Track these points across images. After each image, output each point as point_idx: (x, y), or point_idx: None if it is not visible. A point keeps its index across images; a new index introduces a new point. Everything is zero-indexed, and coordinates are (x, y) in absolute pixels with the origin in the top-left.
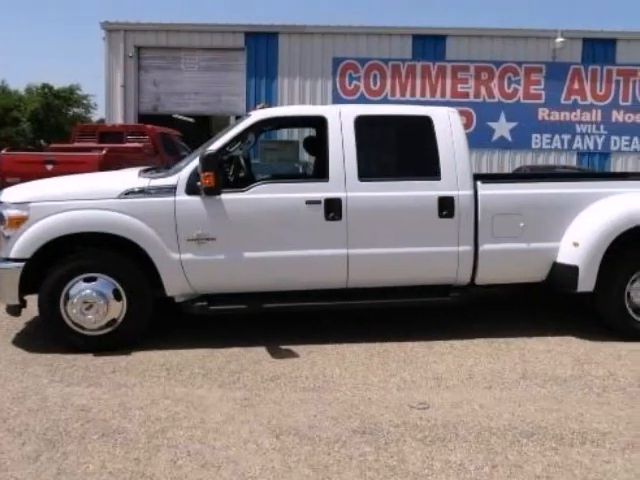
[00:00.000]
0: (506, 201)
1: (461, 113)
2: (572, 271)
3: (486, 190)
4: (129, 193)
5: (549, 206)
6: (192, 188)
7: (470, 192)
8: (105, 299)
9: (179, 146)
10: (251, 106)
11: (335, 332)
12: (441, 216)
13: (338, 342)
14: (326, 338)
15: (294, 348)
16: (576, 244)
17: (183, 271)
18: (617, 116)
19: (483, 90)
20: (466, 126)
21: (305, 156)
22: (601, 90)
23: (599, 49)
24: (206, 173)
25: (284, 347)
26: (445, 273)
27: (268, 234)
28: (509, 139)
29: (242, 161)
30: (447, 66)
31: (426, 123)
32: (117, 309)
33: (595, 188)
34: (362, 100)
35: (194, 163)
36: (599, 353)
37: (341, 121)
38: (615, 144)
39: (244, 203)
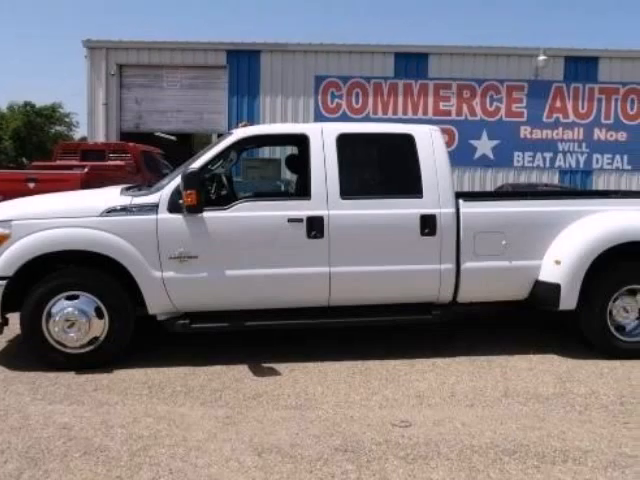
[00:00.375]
0: (488, 219)
1: (443, 131)
2: (554, 289)
3: (468, 208)
4: (111, 211)
5: (531, 224)
6: (174, 206)
7: (452, 210)
8: (87, 317)
9: (161, 164)
10: (233, 124)
11: (317, 350)
12: (423, 234)
13: (320, 360)
14: (308, 356)
15: (276, 366)
16: (558, 262)
17: (165, 289)
18: (599, 134)
19: (465, 108)
20: (448, 144)
21: (287, 174)
22: (583, 108)
23: (581, 67)
24: (188, 191)
25: (266, 365)
26: (427, 291)
27: (250, 252)
28: (491, 157)
29: (224, 179)
30: (429, 84)
31: (408, 141)
32: (99, 327)
33: (577, 206)
34: (344, 118)
35: (176, 181)
36: (581, 371)
37: (323, 139)
38: (597, 162)
39: (226, 221)
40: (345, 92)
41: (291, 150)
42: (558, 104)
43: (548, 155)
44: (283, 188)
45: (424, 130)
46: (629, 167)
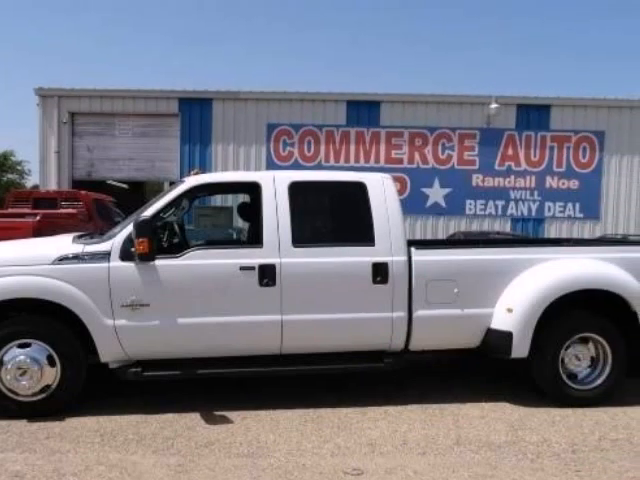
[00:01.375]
0: (440, 267)
1: (395, 179)
2: (506, 337)
3: (420, 256)
4: (63, 259)
5: (483, 272)
6: (126, 254)
7: (404, 258)
8: (39, 365)
9: (113, 212)
10: (185, 172)
11: (269, 398)
12: (375, 282)
13: (272, 408)
14: (260, 404)
15: (228, 414)
16: (510, 310)
17: (117, 337)
18: (551, 182)
19: (417, 156)
20: (400, 192)
21: (239, 222)
22: (535, 156)
23: (533, 115)
24: (140, 239)
25: (218, 413)
26: (379, 339)
27: (202, 300)
28: (443, 205)
29: (176, 227)
30: (381, 132)
31: (360, 189)
32: (51, 375)
33: (529, 254)
34: (296, 166)
35: (128, 229)
36: (533, 419)
37: (275, 187)
38: (549, 210)
39: (178, 269)
40: (297, 140)
41: (243, 198)
42: (510, 152)
43: (500, 203)
44: (235, 236)
45: (376, 178)
46: (581, 215)
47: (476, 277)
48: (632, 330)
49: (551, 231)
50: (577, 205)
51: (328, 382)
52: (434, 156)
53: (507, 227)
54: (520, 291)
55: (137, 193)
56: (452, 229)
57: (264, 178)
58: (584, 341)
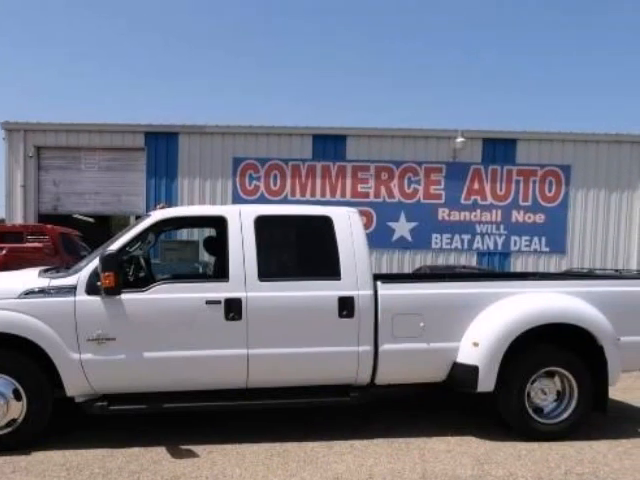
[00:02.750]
0: (406, 301)
1: (361, 213)
2: (472, 371)
3: (386, 290)
4: (29, 293)
5: (449, 306)
6: (92, 288)
7: (370, 292)
8: (5, 399)
9: (79, 246)
10: (151, 206)
11: (236, 432)
12: (341, 316)
13: (238, 442)
14: (227, 438)
15: (194, 448)
16: (476, 344)
17: (83, 371)
18: (517, 216)
19: (383, 190)
20: (366, 226)
21: (205, 256)
22: (501, 190)
23: (499, 149)
24: (106, 273)
25: (184, 447)
26: (345, 373)
27: (168, 334)
28: (409, 239)
29: (142, 261)
30: (347, 166)
31: (326, 223)
32: (17, 409)
33: (495, 288)
34: (262, 200)
35: (94, 263)
36: (499, 453)
37: (241, 221)
38: (515, 244)
39: (144, 303)
40: (263, 174)
41: (209, 232)
42: (476, 186)
43: (466, 237)
44: (201, 270)
45: (342, 212)
46: (547, 249)
47: (442, 311)
48: (598, 364)
49: (517, 265)
50: (543, 239)
51: (294, 416)
52: (400, 190)
53: (473, 261)
54: (486, 325)
55: (103, 227)
56: (418, 263)
57: (230, 212)
58: (550, 375)
